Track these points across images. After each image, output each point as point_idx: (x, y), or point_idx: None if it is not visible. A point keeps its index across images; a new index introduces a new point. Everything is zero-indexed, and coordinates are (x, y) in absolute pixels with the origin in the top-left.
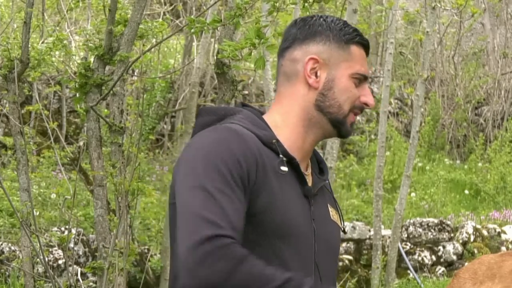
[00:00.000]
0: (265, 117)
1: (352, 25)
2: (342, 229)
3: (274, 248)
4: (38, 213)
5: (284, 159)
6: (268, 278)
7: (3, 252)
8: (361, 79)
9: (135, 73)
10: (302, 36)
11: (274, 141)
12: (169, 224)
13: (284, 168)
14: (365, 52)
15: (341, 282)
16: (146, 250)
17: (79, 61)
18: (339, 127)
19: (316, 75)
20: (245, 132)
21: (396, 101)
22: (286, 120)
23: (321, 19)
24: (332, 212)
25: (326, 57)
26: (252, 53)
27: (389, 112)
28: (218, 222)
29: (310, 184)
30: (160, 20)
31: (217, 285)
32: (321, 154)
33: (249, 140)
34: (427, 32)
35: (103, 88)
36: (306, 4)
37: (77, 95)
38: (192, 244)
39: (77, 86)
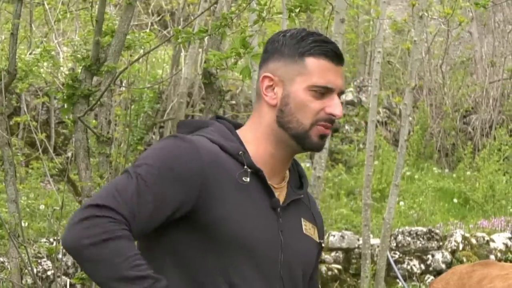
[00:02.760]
0: (239, 131)
1: (318, 35)
2: (319, 242)
3: (232, 259)
4: (26, 224)
5: (249, 170)
6: (129, 265)
7: None
8: (322, 92)
9: (123, 84)
10: (265, 54)
11: (240, 152)
12: None
13: (246, 179)
14: (332, 62)
15: None
16: None
17: (66, 72)
18: (302, 142)
19: (273, 93)
20: (206, 145)
21: (384, 110)
22: (255, 136)
23: (281, 36)
24: (306, 226)
25: (280, 73)
26: (239, 63)
27: (378, 121)
28: (120, 201)
29: (282, 197)
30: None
31: (84, 247)
32: (310, 163)
33: (206, 155)
34: (415, 41)
35: (91, 99)
36: (292, 14)
37: (65, 106)
38: (89, 204)
39: (64, 97)
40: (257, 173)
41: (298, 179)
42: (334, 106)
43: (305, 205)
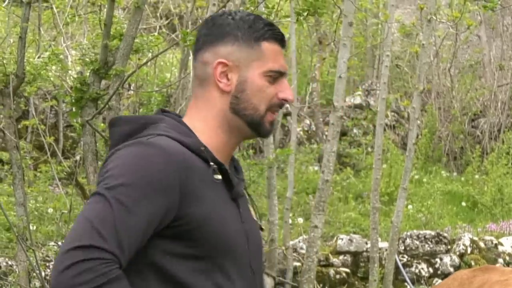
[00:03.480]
0: (185, 121)
1: (264, 19)
2: (260, 225)
3: (217, 260)
4: (34, 227)
5: (215, 166)
6: None
7: (0, 267)
8: (275, 76)
9: (131, 87)
10: (212, 37)
11: (202, 148)
12: None
13: (218, 177)
14: (281, 46)
15: None
16: None
17: (75, 76)
18: (257, 128)
19: (227, 78)
20: (172, 145)
21: (392, 113)
22: (206, 125)
23: (230, 17)
24: (251, 211)
25: (235, 58)
26: None
27: (386, 124)
28: (105, 235)
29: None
30: (156, 34)
31: None
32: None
33: (175, 155)
34: (423, 44)
35: (99, 102)
36: (300, 18)
37: (73, 109)
38: (71, 248)
39: (73, 100)
40: (220, 168)
41: (232, 163)
42: (286, 90)
43: (244, 189)
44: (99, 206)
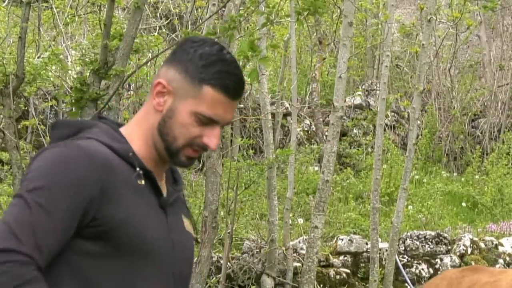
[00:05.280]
0: (124, 128)
1: (228, 65)
2: (195, 238)
3: (134, 262)
4: None
5: (141, 172)
6: None
7: None
8: (205, 121)
9: (131, 87)
10: (173, 56)
11: (130, 154)
12: None
13: (141, 182)
14: (229, 97)
15: None
16: None
17: (75, 76)
18: (173, 157)
19: (162, 99)
20: (98, 150)
21: (392, 114)
22: (138, 132)
23: (192, 49)
24: (186, 222)
25: (176, 86)
26: (247, 66)
27: (386, 125)
28: (21, 238)
29: (165, 195)
30: (156, 34)
31: None
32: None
33: (96, 157)
34: (423, 44)
35: (99, 102)
36: (300, 17)
37: (73, 109)
38: None
39: (73, 100)
40: (147, 174)
41: (171, 174)
42: (211, 137)
43: (182, 201)
44: (18, 209)
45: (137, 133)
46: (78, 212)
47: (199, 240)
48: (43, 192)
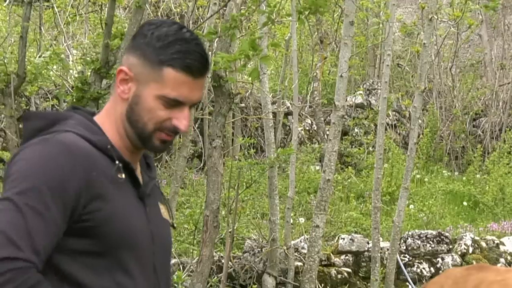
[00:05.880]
0: (97, 119)
1: (186, 43)
2: (171, 224)
3: (119, 257)
4: None
5: (120, 165)
6: None
7: None
8: (171, 103)
9: None
10: (131, 43)
11: (109, 146)
12: None
13: (122, 176)
14: (191, 76)
15: None
16: None
17: (76, 75)
18: (146, 143)
19: (126, 86)
20: (78, 144)
21: (394, 113)
22: (110, 122)
23: (149, 32)
24: (162, 209)
25: (137, 72)
26: (248, 65)
27: (387, 124)
28: (19, 243)
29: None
30: None
31: None
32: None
33: (79, 154)
34: (424, 44)
35: (100, 102)
36: (301, 17)
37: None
38: None
39: (74, 100)
40: (126, 166)
41: (144, 160)
42: (181, 119)
43: (157, 187)
44: (10, 214)
45: (108, 123)
46: (68, 210)
47: (175, 225)
48: (32, 194)
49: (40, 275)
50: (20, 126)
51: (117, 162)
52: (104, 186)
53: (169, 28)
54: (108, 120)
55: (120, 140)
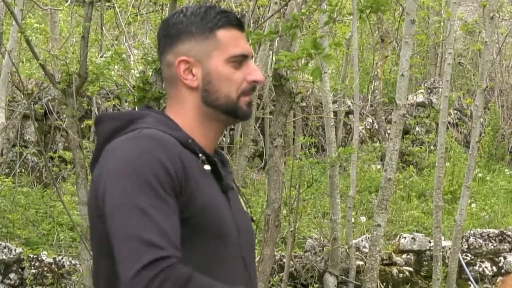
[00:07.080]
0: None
1: (217, 8)
2: (251, 217)
3: (213, 248)
4: None
5: (204, 157)
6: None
7: (63, 266)
8: (240, 61)
9: None
10: (169, 38)
11: (190, 141)
12: (92, 237)
13: (207, 167)
14: (239, 30)
15: None
16: None
17: (137, 75)
18: (235, 114)
19: (192, 75)
20: (164, 136)
21: (455, 111)
22: (183, 122)
23: (181, 15)
24: (243, 203)
25: (195, 53)
26: (309, 64)
27: (448, 122)
28: (158, 242)
29: None
30: None
31: None
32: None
33: (170, 145)
34: (486, 42)
35: (161, 101)
36: (363, 15)
37: (136, 108)
38: (135, 273)
39: (135, 99)
40: (208, 159)
41: (218, 156)
42: (253, 72)
43: (233, 181)
44: (136, 218)
45: (182, 124)
46: (176, 201)
47: (254, 218)
48: (146, 193)
49: (189, 267)
50: (82, 126)
51: (200, 154)
52: (195, 177)
53: (189, 7)
54: (178, 120)
55: (195, 135)
